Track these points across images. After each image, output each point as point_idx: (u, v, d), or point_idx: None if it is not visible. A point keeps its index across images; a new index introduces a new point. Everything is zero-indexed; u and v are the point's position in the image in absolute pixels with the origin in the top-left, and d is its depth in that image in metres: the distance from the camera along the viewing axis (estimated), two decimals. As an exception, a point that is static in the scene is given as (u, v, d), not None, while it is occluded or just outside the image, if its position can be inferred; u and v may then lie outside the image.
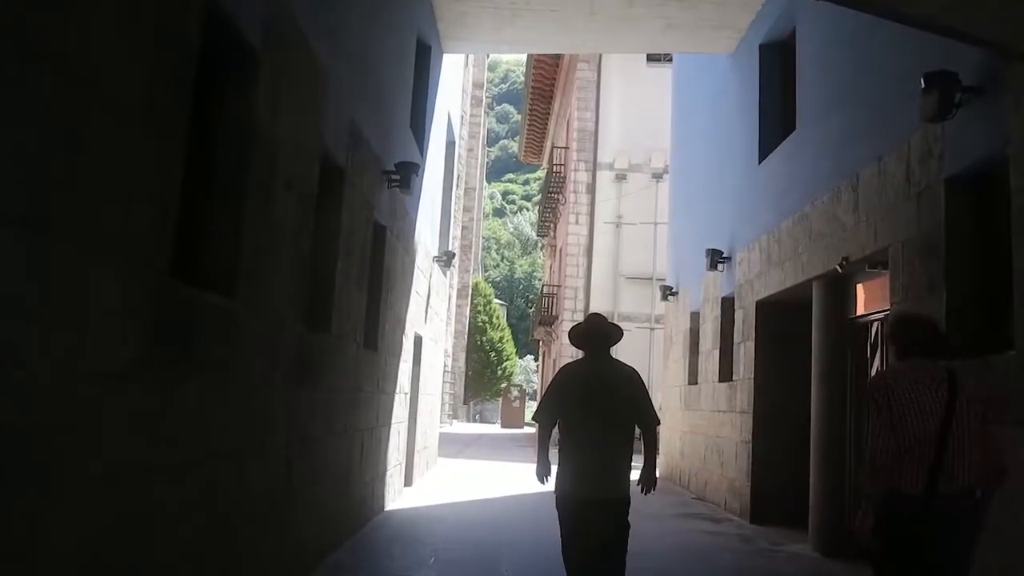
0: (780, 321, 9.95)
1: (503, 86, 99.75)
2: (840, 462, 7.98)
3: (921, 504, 3.63)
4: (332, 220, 6.27)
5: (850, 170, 7.46)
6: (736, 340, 10.95)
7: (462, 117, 44.41)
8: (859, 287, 8.06)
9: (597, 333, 5.04)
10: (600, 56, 27.44)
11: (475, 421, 55.27)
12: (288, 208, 4.93)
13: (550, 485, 4.98)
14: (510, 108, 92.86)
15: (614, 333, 5.10)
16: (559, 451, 4.88)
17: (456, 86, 16.13)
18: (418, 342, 11.63)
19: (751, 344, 10.26)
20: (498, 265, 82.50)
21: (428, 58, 11.27)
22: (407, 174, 8.07)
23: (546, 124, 37.32)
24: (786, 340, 9.86)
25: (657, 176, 26.72)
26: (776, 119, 10.31)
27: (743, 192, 11.20)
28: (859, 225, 7.22)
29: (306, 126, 5.30)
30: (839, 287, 8.15)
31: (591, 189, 27.16)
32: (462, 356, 49.51)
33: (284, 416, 5.08)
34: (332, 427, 6.46)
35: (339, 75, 6.11)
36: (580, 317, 26.57)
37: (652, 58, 27.45)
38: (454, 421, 43.71)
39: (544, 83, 32.41)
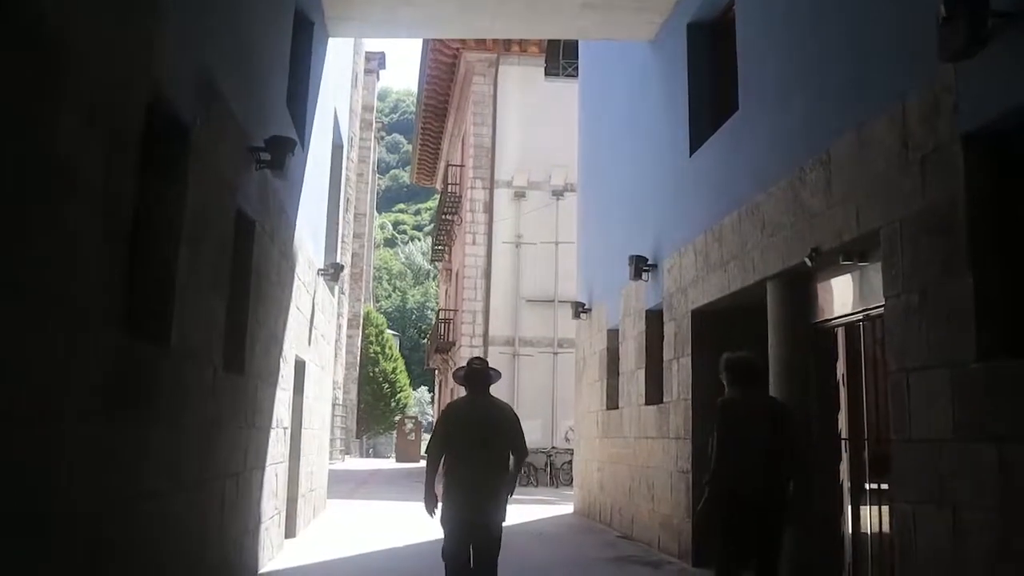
0: (722, 333, 8.69)
1: (393, 116, 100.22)
2: (809, 493, 6.71)
3: (750, 498, 5.05)
4: (171, 194, 4.62)
5: (817, 146, 6.28)
6: (667, 357, 9.69)
7: (350, 139, 42.72)
8: (821, 287, 6.88)
9: (479, 374, 5.89)
10: (496, 69, 26.33)
11: (369, 456, 52.95)
12: (89, 149, 3.30)
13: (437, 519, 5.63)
14: (400, 138, 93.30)
15: (493, 375, 6.00)
16: (445, 478, 5.62)
17: (344, 82, 14.56)
18: (300, 367, 9.90)
19: (686, 361, 9.01)
20: (390, 296, 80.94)
21: (310, 36, 9.68)
22: (280, 152, 6.47)
23: (439, 144, 35.99)
24: (740, 351, 8.63)
25: (558, 194, 25.68)
26: (710, 105, 9.17)
27: (671, 190, 10.01)
28: (833, 208, 6.02)
29: (127, 44, 3.68)
30: (800, 286, 6.95)
31: (488, 208, 25.87)
32: (354, 388, 47.24)
33: (84, 466, 3.40)
34: (178, 476, 4.76)
35: (187, 5, 4.53)
36: (479, 342, 25.10)
37: (551, 72, 26.53)
38: (346, 456, 41.40)
39: (438, 98, 31.08)
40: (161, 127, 4.38)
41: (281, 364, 8.31)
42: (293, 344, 8.98)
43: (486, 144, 26.30)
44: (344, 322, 42.96)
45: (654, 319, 10.43)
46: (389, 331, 57.20)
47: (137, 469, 4.02)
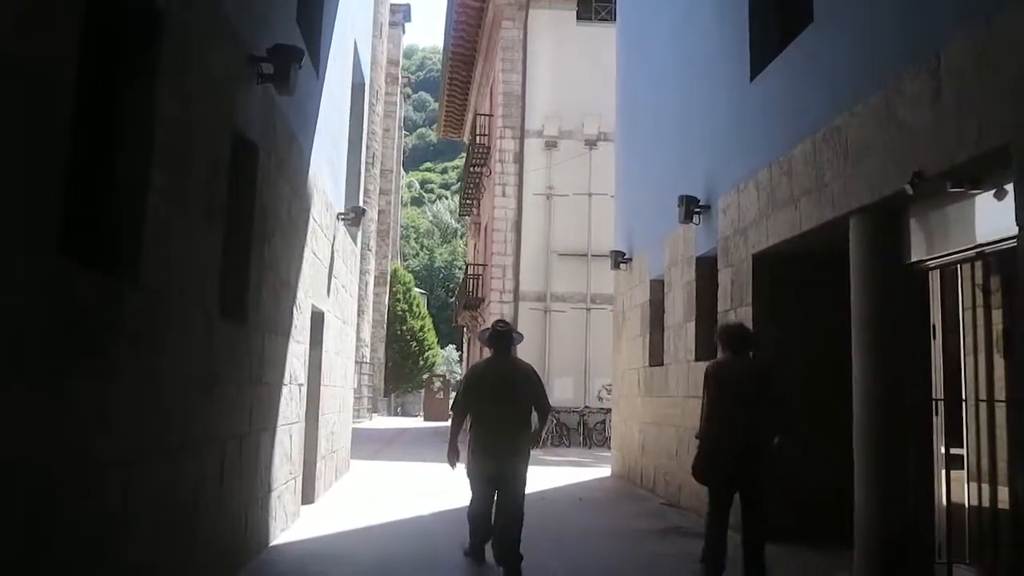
0: (789, 278, 7.77)
1: (420, 74, 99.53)
2: (901, 459, 5.79)
3: (737, 450, 5.63)
4: (138, 98, 3.72)
5: (921, 50, 5.24)
6: (722, 308, 8.73)
7: (376, 91, 41.73)
8: (916, 222, 5.86)
9: (503, 336, 6.28)
10: (526, 13, 25.09)
11: (397, 414, 52.64)
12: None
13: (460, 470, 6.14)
14: (427, 96, 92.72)
15: (516, 337, 6.44)
16: (471, 434, 6.07)
17: (366, 19, 13.49)
18: (318, 319, 9.07)
19: (745, 311, 8.04)
20: (417, 254, 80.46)
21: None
22: (285, 64, 5.53)
23: (467, 95, 34.85)
24: (799, 302, 7.70)
25: (591, 143, 24.56)
26: (774, 22, 8.09)
27: (727, 122, 8.96)
28: (943, 124, 5.00)
29: None
30: (890, 221, 5.94)
31: (519, 158, 24.80)
32: (381, 346, 46.81)
33: (14, 428, 2.54)
34: (155, 440, 3.92)
35: None
36: (509, 298, 24.23)
37: (583, 16, 25.27)
38: (374, 415, 40.99)
39: (465, 46, 29.90)
40: (125, 11, 3.46)
41: (295, 314, 7.46)
42: (309, 293, 8.13)
43: (516, 92, 25.16)
44: (371, 279, 42.36)
45: (706, 266, 9.46)
46: (416, 289, 56.58)
47: (88, 431, 3.16)
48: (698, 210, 9.39)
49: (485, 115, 27.80)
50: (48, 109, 2.76)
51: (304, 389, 8.09)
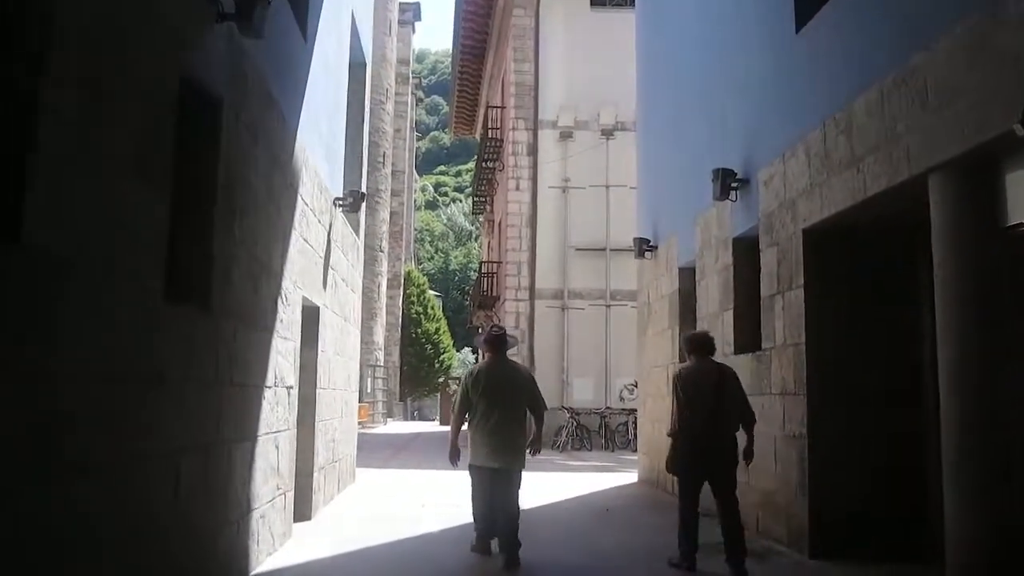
0: (849, 254, 6.75)
1: (432, 78, 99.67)
2: (1002, 456, 4.75)
3: (705, 443, 6.13)
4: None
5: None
6: (766, 293, 7.71)
7: (387, 89, 40.85)
8: (1012, 177, 4.84)
9: (498, 339, 6.76)
10: (539, 0, 24.08)
11: (413, 419, 51.81)
12: None
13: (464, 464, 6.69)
14: (440, 100, 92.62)
15: (511, 341, 6.98)
16: (470, 432, 6.60)
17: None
18: (312, 314, 8.12)
19: (795, 295, 7.03)
20: (432, 257, 79.85)
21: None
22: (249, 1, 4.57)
23: (478, 90, 33.92)
24: (860, 281, 6.68)
25: (608, 133, 23.54)
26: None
27: (767, 85, 7.96)
28: (1065, 44, 3.98)
29: None
30: (985, 177, 4.92)
31: (532, 150, 23.82)
32: (396, 350, 45.91)
33: None
34: (47, 456, 2.96)
35: None
36: (524, 296, 23.24)
37: (597, 2, 24.27)
38: (388, 420, 40.07)
39: (475, 37, 28.95)
40: None
41: (280, 306, 6.51)
42: (299, 283, 7.18)
43: (528, 82, 24.18)
44: (383, 281, 41.47)
45: (745, 248, 8.45)
46: (431, 291, 55.67)
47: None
48: (735, 185, 8.38)
49: (497, 107, 26.82)
50: None
51: (294, 393, 7.13)
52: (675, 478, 10.65)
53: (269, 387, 6.20)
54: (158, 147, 3.89)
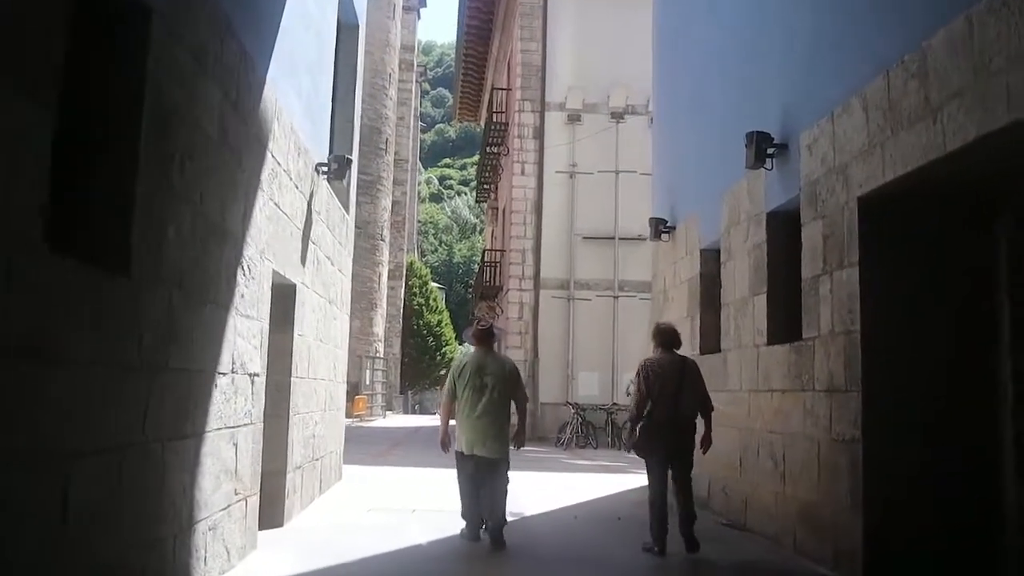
0: (915, 226, 5.72)
1: (438, 70, 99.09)
2: None
3: (669, 427, 6.56)
4: None
5: None
6: (808, 274, 6.68)
7: (390, 74, 39.77)
8: None
9: (484, 333, 7.18)
10: (546, -23, 23.01)
11: (414, 412, 50.90)
12: None
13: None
14: (445, 92, 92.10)
15: (497, 333, 7.49)
16: (457, 420, 6.95)
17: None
18: (286, 292, 7.11)
19: (846, 275, 5.99)
20: (435, 250, 79.02)
21: None
22: None
23: (483, 74, 32.88)
24: (929, 258, 5.66)
25: (618, 116, 22.54)
26: None
27: (812, 35, 6.92)
28: None
29: None
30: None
31: (539, 134, 22.81)
32: (397, 341, 44.91)
33: None
34: None
35: None
36: (528, 285, 22.26)
37: (607, -20, 23.20)
38: (388, 413, 39.10)
39: (481, 18, 27.93)
40: None
41: (240, 278, 5.49)
42: (267, 254, 6.17)
43: (535, 62, 23.17)
44: (384, 271, 40.41)
45: (781, 223, 7.42)
46: (434, 284, 54.64)
47: None
48: (771, 151, 7.34)
49: (502, 89, 25.78)
50: None
51: (260, 381, 6.12)
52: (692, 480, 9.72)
53: (224, 373, 5.19)
54: (41, 50, 2.87)
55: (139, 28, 3.77)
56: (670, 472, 6.66)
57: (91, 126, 3.58)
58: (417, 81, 58.78)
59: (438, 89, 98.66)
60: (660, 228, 11.03)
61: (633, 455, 7.26)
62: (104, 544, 3.53)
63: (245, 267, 5.60)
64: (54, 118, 2.97)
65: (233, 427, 5.44)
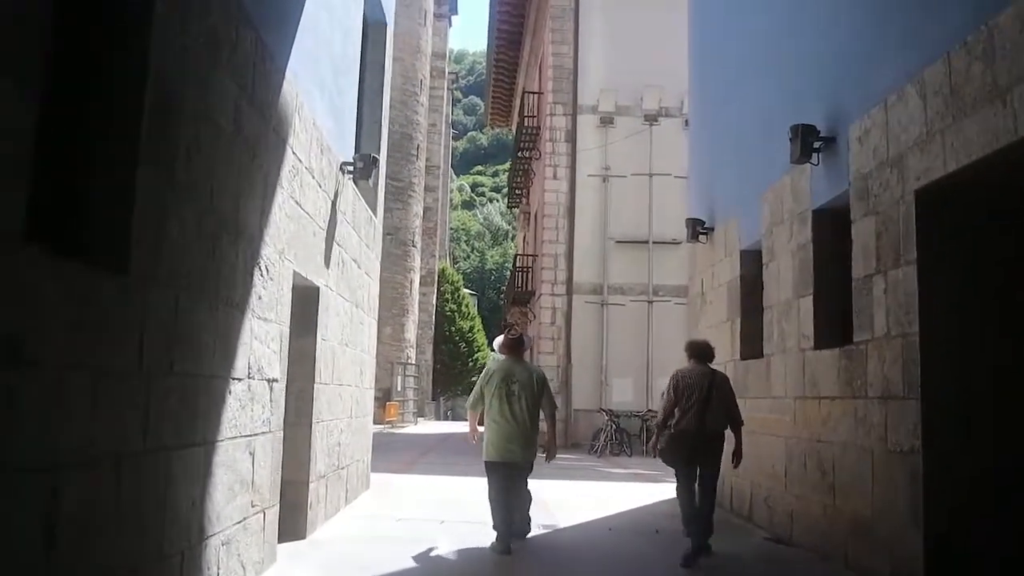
0: (979, 220, 5.30)
1: (470, 78, 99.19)
2: None
3: (697, 437, 6.58)
4: None
5: None
6: (859, 273, 6.27)
7: (421, 81, 39.66)
8: None
9: (513, 342, 7.33)
10: (578, -22, 22.68)
11: (446, 418, 50.66)
12: None
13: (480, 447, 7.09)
14: (477, 100, 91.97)
15: (525, 341, 7.66)
16: (485, 426, 7.02)
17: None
18: (309, 295, 6.84)
19: (903, 273, 5.58)
20: (468, 257, 78.92)
21: None
22: None
23: (514, 79, 32.61)
24: (994, 255, 5.24)
25: (651, 119, 22.10)
26: None
27: (863, 17, 6.52)
28: None
29: None
30: None
31: (571, 137, 22.43)
32: (429, 348, 44.70)
33: None
34: None
35: None
36: (561, 290, 21.85)
37: (640, -19, 22.82)
38: (420, 420, 38.89)
39: (512, 22, 27.66)
40: None
41: (257, 279, 5.22)
42: (287, 254, 5.90)
43: (567, 65, 22.80)
44: (416, 277, 40.26)
45: (829, 221, 7.01)
46: (466, 290, 54.43)
47: None
48: (818, 145, 6.94)
49: (534, 93, 25.47)
50: None
51: (279, 387, 5.84)
52: (731, 492, 9.32)
53: (239, 379, 4.91)
54: (24, 28, 2.60)
55: (141, 9, 3.50)
56: (698, 480, 6.75)
57: (89, 114, 3.31)
58: (449, 88, 58.66)
59: (470, 97, 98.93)
60: (697, 229, 10.63)
61: (661, 461, 7.38)
62: (98, 564, 3.24)
63: (263, 267, 5.33)
64: (39, 96, 2.69)
65: (249, 435, 5.16)
